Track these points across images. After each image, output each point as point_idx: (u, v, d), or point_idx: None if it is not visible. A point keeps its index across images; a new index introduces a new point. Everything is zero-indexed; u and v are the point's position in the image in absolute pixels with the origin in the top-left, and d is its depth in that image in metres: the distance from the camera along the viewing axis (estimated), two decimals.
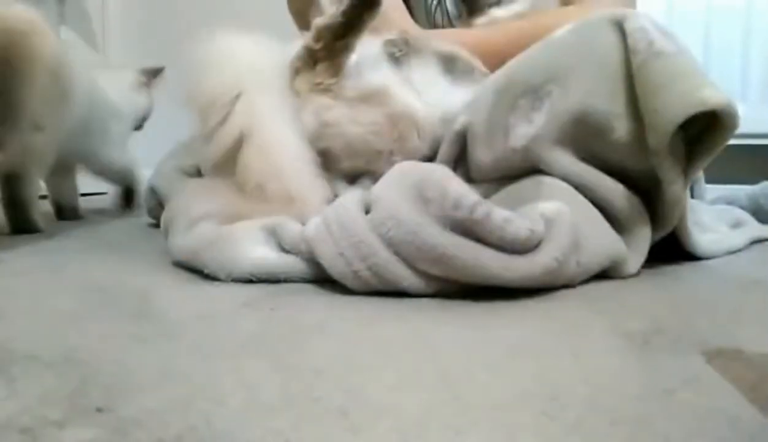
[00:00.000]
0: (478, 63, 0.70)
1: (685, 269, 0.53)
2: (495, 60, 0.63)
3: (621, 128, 0.48)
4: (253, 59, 0.60)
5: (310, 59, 0.58)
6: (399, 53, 0.64)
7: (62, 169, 0.97)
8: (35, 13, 0.69)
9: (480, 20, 0.88)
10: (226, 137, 0.56)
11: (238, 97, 0.56)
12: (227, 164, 0.56)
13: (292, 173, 0.55)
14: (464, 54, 0.70)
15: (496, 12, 0.87)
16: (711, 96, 0.44)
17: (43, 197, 0.96)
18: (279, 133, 0.56)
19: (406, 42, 0.65)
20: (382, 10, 0.57)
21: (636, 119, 0.48)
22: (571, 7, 0.84)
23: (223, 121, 0.56)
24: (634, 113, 0.48)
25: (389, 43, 0.64)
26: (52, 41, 0.68)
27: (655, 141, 0.46)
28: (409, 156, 0.58)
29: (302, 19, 0.86)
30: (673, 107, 0.45)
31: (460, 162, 0.60)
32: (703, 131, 0.47)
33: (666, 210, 0.49)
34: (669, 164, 0.47)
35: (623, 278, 0.48)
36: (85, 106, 0.85)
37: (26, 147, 0.68)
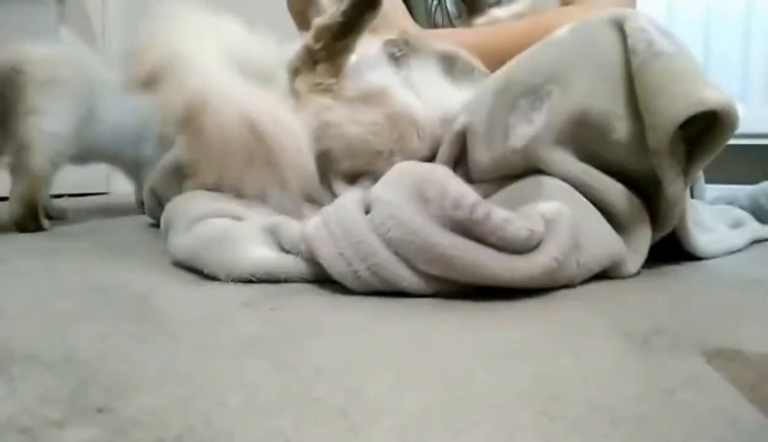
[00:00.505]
0: (478, 63, 0.70)
1: (685, 269, 0.53)
2: (495, 60, 0.63)
3: (621, 128, 0.48)
4: (200, 28, 0.59)
5: (310, 60, 0.58)
6: (399, 53, 0.64)
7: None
8: (36, 49, 0.83)
9: (480, 20, 0.88)
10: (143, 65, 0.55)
11: (172, 54, 0.55)
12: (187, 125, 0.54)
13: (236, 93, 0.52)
14: (464, 54, 0.70)
15: (496, 12, 0.87)
16: (711, 96, 0.44)
17: (58, 196, 0.98)
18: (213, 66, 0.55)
19: (406, 42, 0.65)
20: (382, 11, 0.57)
21: (636, 119, 0.48)
22: (571, 7, 0.84)
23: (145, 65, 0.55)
24: (634, 113, 0.48)
25: (389, 43, 0.64)
26: (44, 67, 0.82)
27: (655, 141, 0.46)
28: (409, 156, 0.58)
29: (302, 20, 0.86)
30: (673, 107, 0.45)
31: (460, 162, 0.60)
32: (703, 131, 0.47)
33: (666, 210, 0.49)
34: (669, 164, 0.47)
35: (623, 278, 0.48)
36: (138, 119, 0.99)
37: (29, 126, 0.80)
